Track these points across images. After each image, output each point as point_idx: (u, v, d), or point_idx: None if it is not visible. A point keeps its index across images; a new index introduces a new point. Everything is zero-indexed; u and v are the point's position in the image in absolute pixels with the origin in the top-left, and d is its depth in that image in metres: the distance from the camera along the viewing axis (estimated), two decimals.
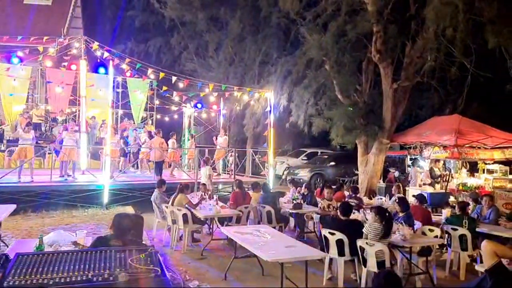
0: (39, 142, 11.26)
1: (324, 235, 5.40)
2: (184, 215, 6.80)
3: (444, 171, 11.48)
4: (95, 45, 11.50)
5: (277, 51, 16.46)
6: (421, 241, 5.45)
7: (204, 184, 8.69)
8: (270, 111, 13.22)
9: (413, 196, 7.77)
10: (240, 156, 14.46)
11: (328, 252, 5.29)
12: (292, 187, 9.14)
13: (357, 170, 13.05)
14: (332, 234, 5.26)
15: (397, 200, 6.18)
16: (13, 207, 6.45)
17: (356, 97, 12.37)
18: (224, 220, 7.44)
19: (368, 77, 12.50)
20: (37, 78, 15.46)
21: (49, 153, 12.87)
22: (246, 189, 8.57)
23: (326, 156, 17.46)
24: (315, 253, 4.68)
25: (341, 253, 5.20)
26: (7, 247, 5.02)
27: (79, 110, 13.26)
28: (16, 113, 13.90)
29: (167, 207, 7.18)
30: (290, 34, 15.95)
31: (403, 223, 5.41)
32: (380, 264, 4.83)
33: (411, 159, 12.15)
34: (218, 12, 17.67)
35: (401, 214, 5.80)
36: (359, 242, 5.04)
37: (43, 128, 13.80)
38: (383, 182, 11.73)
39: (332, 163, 16.65)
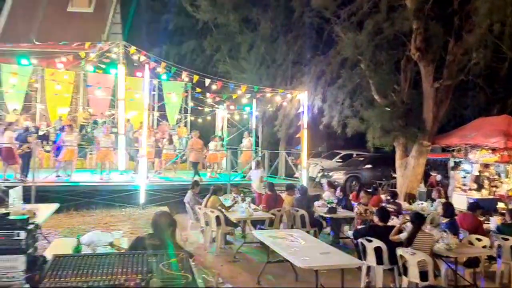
0: (81, 143, 11.68)
1: (361, 242, 5.19)
2: (217, 217, 6.80)
3: (492, 176, 10.82)
4: (133, 49, 11.82)
5: (310, 51, 16.24)
6: (468, 251, 5.10)
7: (236, 186, 8.67)
8: (303, 112, 13.03)
9: (469, 203, 7.24)
10: (273, 158, 14.36)
11: (365, 260, 5.09)
12: (329, 188, 8.90)
13: (395, 173, 12.59)
14: (370, 241, 5.05)
15: (442, 204, 5.84)
16: (56, 206, 6.72)
17: (394, 97, 11.93)
18: (257, 223, 7.37)
19: (407, 76, 12.02)
20: (79, 82, 16.11)
21: (90, 154, 13.39)
22: (279, 191, 8.48)
23: (362, 158, 17.01)
24: (351, 261, 4.51)
25: (379, 261, 4.98)
26: (50, 244, 5.19)
27: (117, 113, 13.70)
28: (63, 115, 14.54)
29: (200, 208, 7.21)
30: (323, 34, 15.68)
31: (447, 231, 5.10)
32: (423, 274, 4.57)
33: (455, 162, 11.55)
34: (250, 13, 17.70)
35: (444, 221, 5.49)
36: (399, 251, 4.80)
37: (84, 130, 14.34)
38: (424, 186, 11.23)
39: (368, 166, 16.19)
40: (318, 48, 15.98)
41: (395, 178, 13.06)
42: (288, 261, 4.63)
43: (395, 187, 11.83)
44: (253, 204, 8.06)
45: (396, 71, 12.19)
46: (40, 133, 12.18)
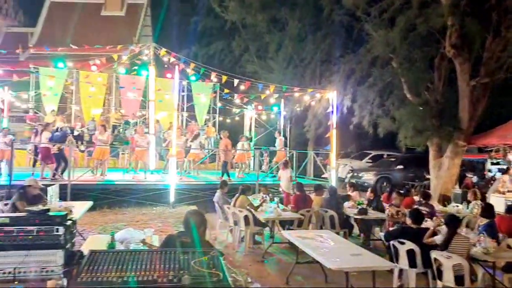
0: (114, 143, 12.03)
1: (392, 244, 5.06)
2: (246, 217, 6.81)
3: None
4: (163, 51, 12.07)
5: (339, 50, 16.03)
6: (506, 256, 4.86)
7: (265, 186, 8.66)
8: (332, 112, 12.86)
9: (507, 205, 6.92)
10: (301, 158, 14.26)
11: (397, 262, 4.95)
12: (353, 191, 8.72)
13: (429, 174, 12.21)
14: (402, 243, 4.91)
15: (482, 206, 5.60)
16: (90, 203, 6.96)
17: (428, 95, 11.57)
18: (285, 224, 7.33)
19: (441, 74, 11.62)
20: (111, 84, 16.61)
21: (122, 153, 13.78)
22: (308, 192, 8.40)
23: (393, 159, 16.60)
24: (383, 263, 4.40)
25: (412, 264, 4.83)
26: (85, 240, 5.37)
27: (148, 113, 14.03)
28: (96, 116, 15.04)
29: (229, 208, 7.25)
30: (353, 32, 15.43)
31: (485, 234, 4.89)
32: (458, 279, 4.40)
33: (492, 163, 11.06)
34: (278, 13, 17.67)
35: (482, 223, 5.26)
36: (434, 254, 4.64)
37: (116, 131, 14.76)
38: (459, 188, 10.83)
39: (400, 166, 15.78)
40: (347, 47, 15.75)
41: (428, 179, 12.67)
42: (317, 262, 4.57)
43: (428, 189, 11.46)
44: (281, 204, 8.03)
45: (429, 69, 11.82)
46: (75, 133, 12.64)
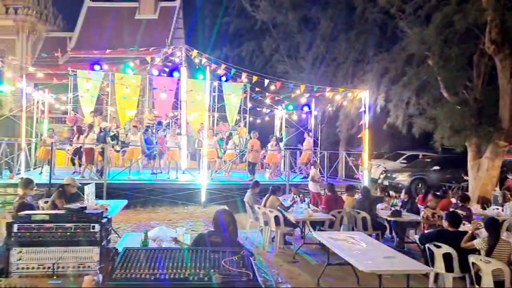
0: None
1: (428, 247, 4.89)
2: (276, 217, 6.80)
3: None
4: (194, 52, 12.26)
5: (372, 49, 15.69)
6: None
7: (295, 187, 8.61)
8: (365, 111, 12.61)
9: None
10: (332, 159, 14.07)
11: (433, 266, 4.78)
12: (384, 194, 8.49)
13: (467, 176, 11.72)
14: (438, 246, 4.74)
15: None
16: (124, 202, 7.17)
17: (466, 94, 11.12)
18: (316, 224, 7.25)
19: (481, 72, 11.11)
20: (145, 85, 17.06)
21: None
22: (339, 193, 8.27)
23: (429, 160, 16.06)
24: (418, 267, 4.25)
25: (449, 268, 4.65)
26: (120, 238, 5.53)
27: (180, 114, 14.29)
28: (129, 117, 15.49)
29: (259, 208, 7.26)
30: (386, 30, 15.07)
31: None
32: (498, 284, 4.19)
33: None
34: (310, 12, 17.53)
35: None
36: (472, 258, 4.45)
37: (149, 131, 15.12)
38: (500, 190, 10.32)
39: (436, 167, 15.23)
40: (381, 45, 15.42)
41: (466, 181, 12.17)
42: (349, 264, 4.49)
43: (467, 190, 11.01)
44: (312, 205, 7.95)
45: (468, 66, 11.35)
46: (111, 134, 13.05)
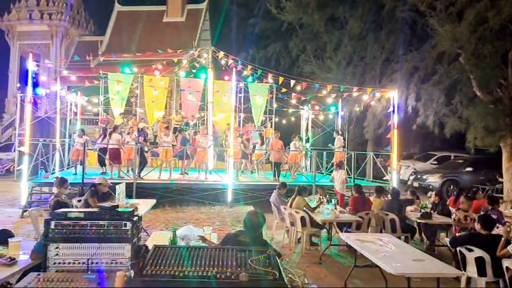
0: (173, 144, 12.55)
1: (460, 250, 4.75)
2: (302, 218, 6.78)
3: None
4: (221, 54, 12.40)
5: (402, 47, 15.34)
6: None
7: (322, 188, 8.55)
8: (393, 111, 12.34)
9: None
10: (360, 159, 13.86)
11: (464, 270, 4.64)
12: (413, 197, 8.27)
13: (502, 178, 11.29)
14: (470, 250, 4.59)
15: None
16: (153, 201, 7.35)
17: (500, 92, 10.71)
18: (343, 226, 7.18)
19: None
20: (172, 87, 17.37)
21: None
22: (367, 194, 8.15)
23: (461, 161, 15.56)
24: (448, 270, 4.14)
25: (481, 272, 4.50)
26: (149, 236, 5.68)
27: (207, 115, 14.48)
28: (157, 118, 15.82)
29: (285, 208, 7.26)
30: (416, 28, 14.71)
31: None
32: None
33: None
34: (336, 12, 17.35)
35: None
36: (506, 262, 4.29)
37: (177, 132, 15.38)
38: None
39: (469, 169, 14.74)
40: (410, 44, 15.07)
41: (501, 183, 11.71)
42: (377, 266, 4.42)
43: (501, 193, 10.60)
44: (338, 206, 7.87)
45: (502, 64, 10.92)
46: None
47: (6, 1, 26.36)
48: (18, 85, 23.59)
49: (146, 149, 13.38)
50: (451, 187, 14.12)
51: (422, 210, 7.12)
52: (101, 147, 11.38)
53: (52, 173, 11.36)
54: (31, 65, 10.22)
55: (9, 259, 3.29)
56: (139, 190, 10.09)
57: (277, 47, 20.76)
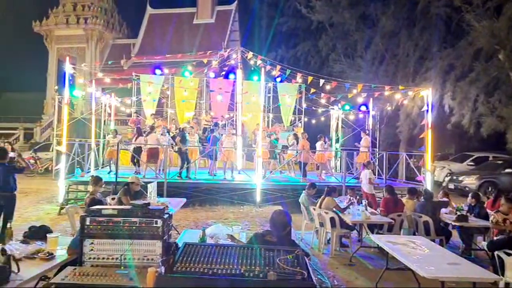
0: (204, 144, 12.70)
1: (498, 254, 4.54)
2: (332, 219, 6.69)
3: None
4: (250, 54, 12.44)
5: (436, 44, 14.86)
6: None
7: (352, 189, 8.40)
8: (427, 110, 11.96)
9: None
10: (392, 160, 13.52)
11: (503, 275, 4.43)
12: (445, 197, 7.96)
13: None
14: (509, 254, 4.38)
15: None
16: (184, 200, 7.47)
17: None
18: (374, 227, 7.02)
19: None
20: (202, 87, 17.61)
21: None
22: (399, 195, 7.94)
23: (500, 162, 14.86)
24: (485, 275, 3.96)
25: None
26: (179, 234, 5.78)
27: (236, 115, 14.56)
28: (187, 118, 16.08)
29: (314, 209, 7.19)
30: (451, 24, 14.21)
31: None
32: None
33: None
34: (367, 10, 17.04)
35: None
36: None
37: (206, 132, 15.58)
38: None
39: (509, 170, 14.07)
40: (445, 41, 14.60)
41: None
42: (409, 269, 4.30)
43: None
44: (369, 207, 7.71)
45: None
46: (171, 135, 13.62)
47: (44, 7, 27.63)
48: (56, 87, 24.70)
49: (176, 149, 13.64)
50: (489, 189, 13.53)
51: (458, 213, 6.86)
52: (135, 146, 11.66)
53: (88, 172, 11.77)
54: (68, 68, 10.63)
55: (47, 254, 3.43)
56: (169, 189, 10.28)
57: (306, 47, 20.63)
